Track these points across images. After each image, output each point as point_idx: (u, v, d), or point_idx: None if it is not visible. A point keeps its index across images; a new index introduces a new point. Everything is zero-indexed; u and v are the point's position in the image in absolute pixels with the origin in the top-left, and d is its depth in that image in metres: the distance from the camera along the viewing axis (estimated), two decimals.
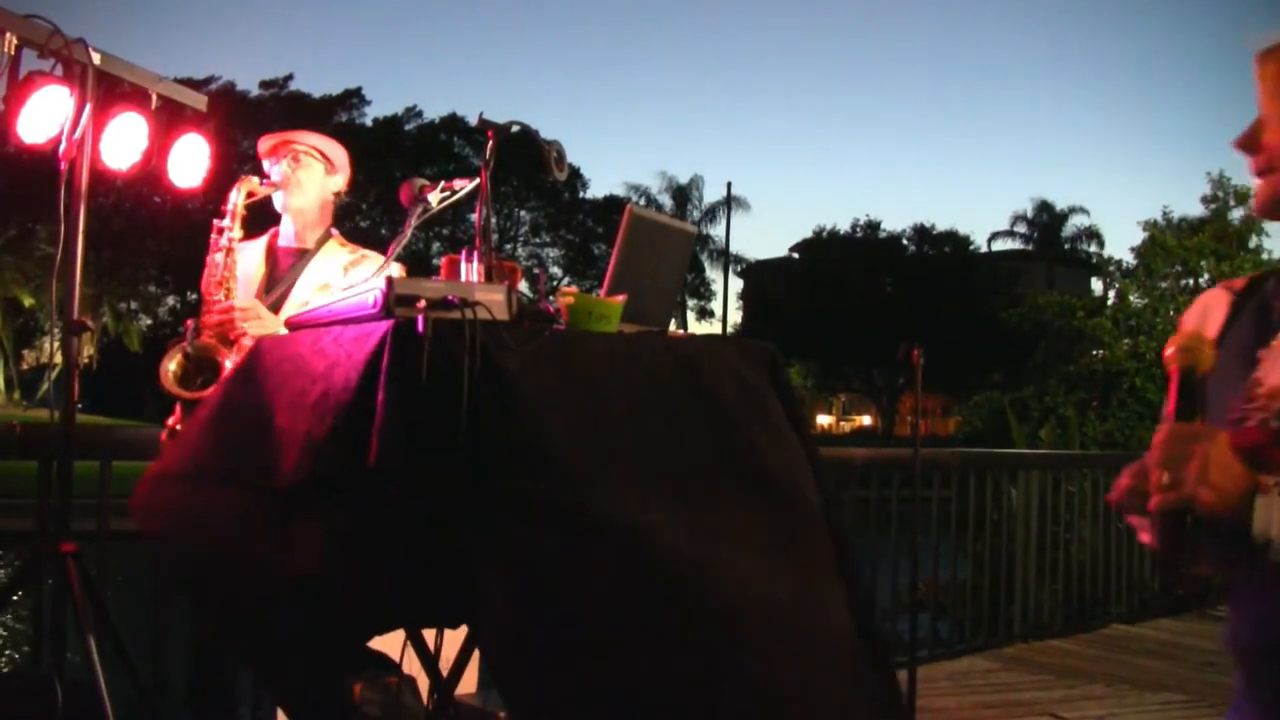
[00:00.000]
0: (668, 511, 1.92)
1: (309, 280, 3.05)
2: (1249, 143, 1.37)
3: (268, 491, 1.82)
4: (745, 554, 1.97)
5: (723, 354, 2.25)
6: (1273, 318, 1.36)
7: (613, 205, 40.15)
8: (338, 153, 3.20)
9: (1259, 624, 1.28)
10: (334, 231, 3.20)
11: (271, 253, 3.12)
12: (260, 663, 1.95)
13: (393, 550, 1.75)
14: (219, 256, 2.92)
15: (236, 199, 2.95)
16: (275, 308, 2.96)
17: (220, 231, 2.93)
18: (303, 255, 3.11)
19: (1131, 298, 15.92)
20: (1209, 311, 1.46)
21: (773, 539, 2.04)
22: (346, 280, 3.05)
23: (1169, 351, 1.24)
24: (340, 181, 3.22)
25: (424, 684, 2.48)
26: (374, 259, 3.14)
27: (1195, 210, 23.06)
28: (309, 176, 3.11)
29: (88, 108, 2.65)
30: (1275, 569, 1.17)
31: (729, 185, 54.07)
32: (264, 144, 3.13)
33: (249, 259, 3.05)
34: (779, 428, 2.24)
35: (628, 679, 1.78)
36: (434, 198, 2.37)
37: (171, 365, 2.81)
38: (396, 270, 3.10)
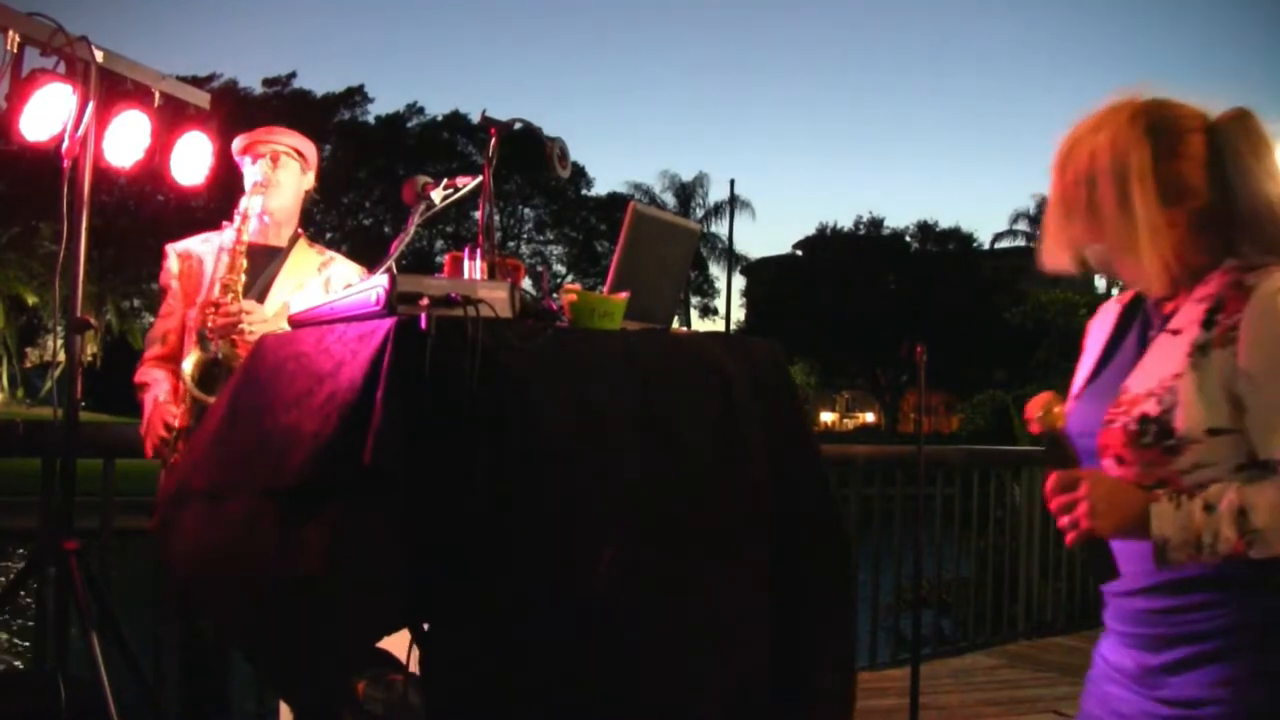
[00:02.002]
0: (656, 515, 1.93)
1: (286, 281, 3.03)
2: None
3: (275, 493, 1.81)
4: (706, 562, 2.02)
5: (724, 353, 2.25)
6: (1149, 334, 1.59)
7: (616, 203, 40.14)
8: (311, 151, 3.18)
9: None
10: (301, 230, 3.18)
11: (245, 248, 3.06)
12: (266, 664, 1.95)
13: (396, 550, 1.75)
14: (225, 258, 2.91)
15: (248, 205, 2.96)
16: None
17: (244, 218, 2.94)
18: (275, 254, 3.08)
19: None
20: (1101, 323, 1.72)
21: (727, 548, 2.08)
22: (320, 279, 3.05)
23: (1031, 419, 1.51)
24: (311, 179, 3.21)
25: None
26: (341, 261, 3.16)
27: None
28: (287, 177, 3.09)
29: (90, 105, 2.65)
30: (1169, 560, 1.44)
31: (732, 183, 54.13)
32: (240, 142, 3.10)
33: (214, 254, 3.02)
34: (780, 431, 2.25)
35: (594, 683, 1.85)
36: (437, 195, 2.36)
37: (188, 366, 2.80)
38: (357, 273, 3.11)
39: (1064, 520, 1.46)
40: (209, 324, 2.84)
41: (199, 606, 2.72)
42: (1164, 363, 1.49)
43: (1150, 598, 1.52)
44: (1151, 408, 1.47)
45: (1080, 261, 1.60)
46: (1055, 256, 1.61)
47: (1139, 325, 1.63)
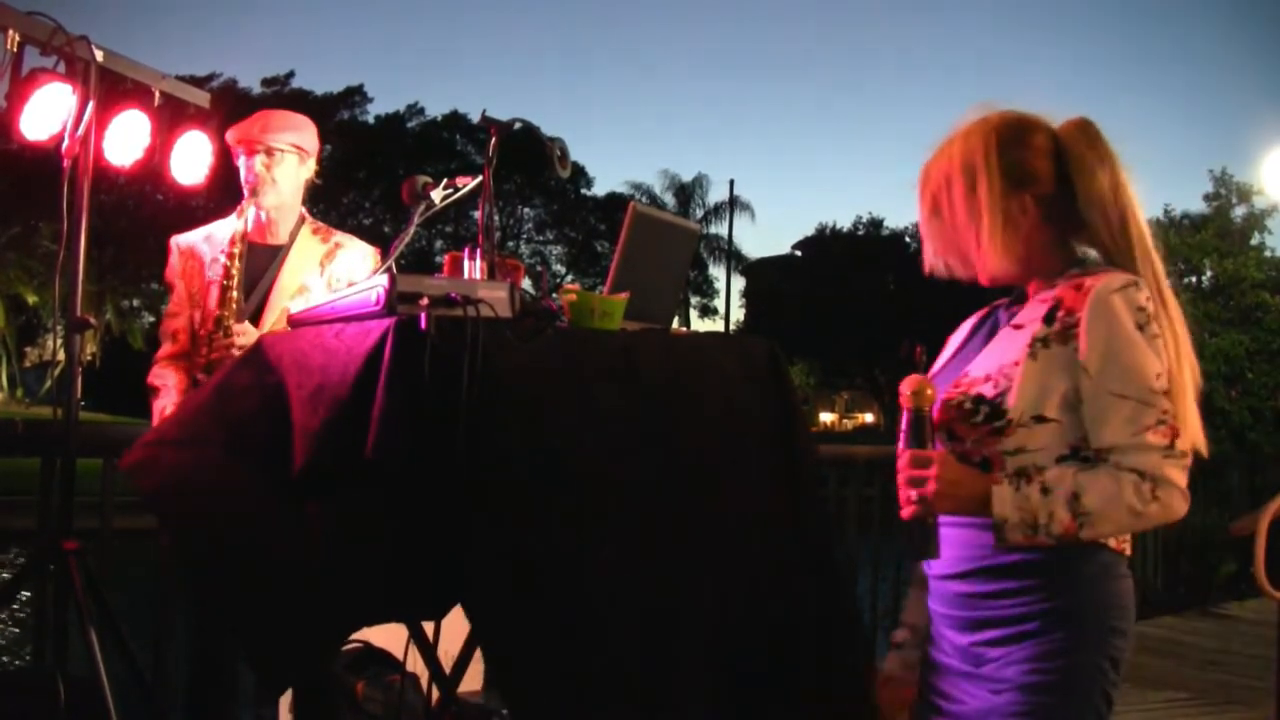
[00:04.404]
0: (656, 514, 1.93)
1: (286, 282, 2.98)
2: None
3: (271, 480, 1.82)
4: (707, 561, 2.02)
5: (722, 353, 2.25)
6: (1000, 329, 1.74)
7: (616, 203, 40.12)
8: (308, 139, 3.08)
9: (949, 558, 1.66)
10: (305, 215, 3.10)
11: (244, 242, 3.01)
12: (255, 648, 1.95)
13: (388, 542, 1.76)
14: (218, 276, 2.90)
15: (248, 212, 2.94)
16: (256, 314, 2.93)
17: (231, 242, 2.93)
18: (277, 253, 3.03)
19: None
20: (961, 328, 1.87)
21: (731, 544, 2.08)
22: (324, 278, 3.00)
23: (904, 394, 1.59)
24: (313, 165, 3.12)
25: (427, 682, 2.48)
26: (348, 247, 3.09)
27: (1197, 207, 23.06)
28: (283, 173, 3.01)
29: (90, 105, 2.64)
30: (1008, 540, 1.55)
31: (731, 183, 54.08)
32: (233, 135, 3.02)
33: (217, 249, 2.99)
34: (776, 430, 2.25)
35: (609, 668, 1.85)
36: (437, 195, 2.36)
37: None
38: (371, 257, 3.07)
39: (909, 494, 1.55)
40: (201, 362, 2.83)
41: (175, 542, 2.70)
42: (1004, 352, 1.63)
43: (966, 582, 1.65)
44: (988, 390, 1.60)
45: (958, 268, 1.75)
46: (937, 265, 1.77)
47: (989, 327, 1.81)
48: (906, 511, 1.57)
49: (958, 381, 1.65)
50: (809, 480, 2.29)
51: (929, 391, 1.58)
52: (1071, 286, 1.61)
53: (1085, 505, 1.52)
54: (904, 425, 1.61)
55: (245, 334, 2.81)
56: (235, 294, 2.88)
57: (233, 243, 2.93)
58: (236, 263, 2.92)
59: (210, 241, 3.01)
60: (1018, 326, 1.66)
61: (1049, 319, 1.60)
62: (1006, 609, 1.61)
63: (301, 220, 3.09)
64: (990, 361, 1.64)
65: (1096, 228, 1.65)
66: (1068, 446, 1.58)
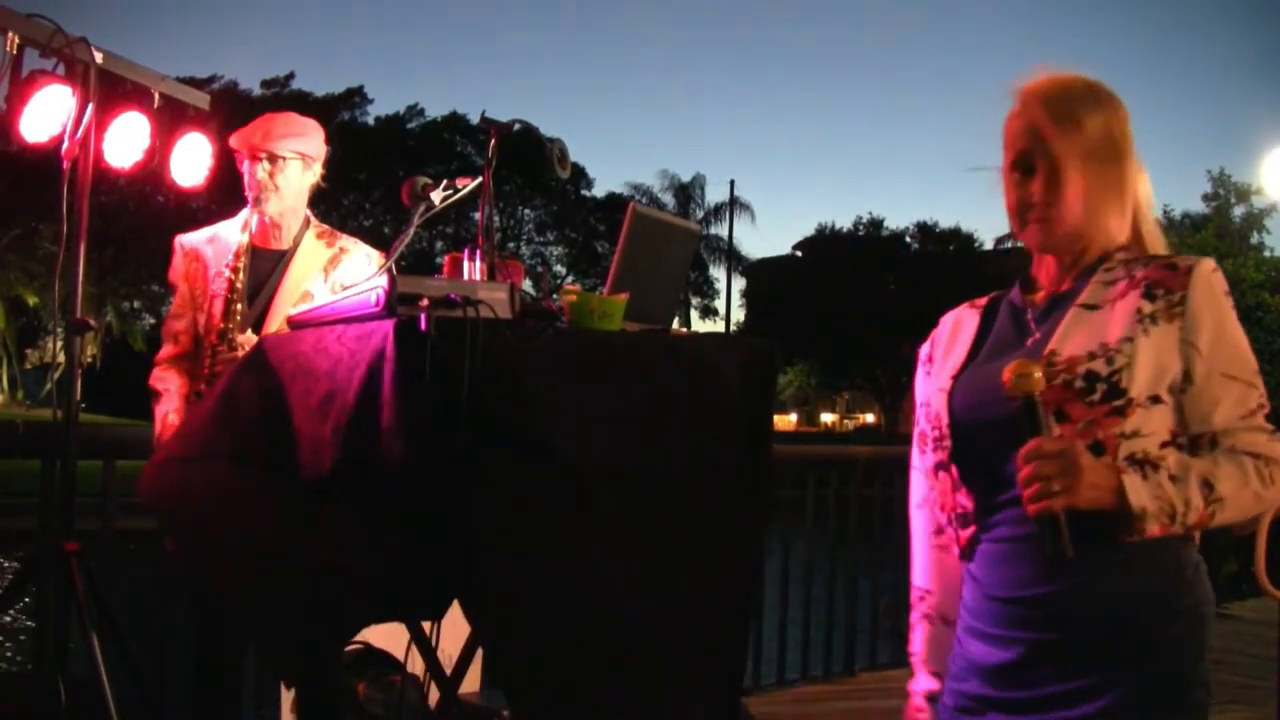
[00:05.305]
0: (655, 513, 1.94)
1: (290, 288, 2.96)
2: None
3: (281, 485, 1.82)
4: (701, 560, 2.04)
5: (722, 354, 2.25)
6: (1027, 316, 1.64)
7: (616, 204, 40.15)
8: (314, 145, 3.03)
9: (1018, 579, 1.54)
10: (310, 218, 3.07)
11: (249, 252, 3.00)
12: (266, 647, 1.96)
13: (390, 542, 1.76)
14: (223, 287, 2.91)
15: (251, 220, 2.95)
16: (259, 320, 2.92)
17: (236, 256, 2.94)
18: (281, 258, 3.00)
19: None
20: (961, 325, 1.75)
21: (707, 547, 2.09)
22: (329, 284, 2.98)
23: (1008, 380, 1.46)
24: (318, 169, 3.07)
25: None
26: (353, 252, 3.06)
27: (1196, 208, 23.12)
28: (286, 180, 2.96)
29: (90, 107, 2.65)
30: (1145, 532, 1.43)
31: (732, 184, 53.97)
32: (236, 141, 2.98)
33: (220, 254, 2.98)
34: (760, 429, 2.26)
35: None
36: (437, 196, 2.36)
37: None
38: (376, 261, 3.07)
39: (1038, 488, 1.42)
40: (205, 374, 2.84)
41: (200, 596, 2.75)
42: (1099, 328, 1.52)
43: (1031, 608, 1.53)
44: (1099, 367, 1.48)
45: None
46: (1065, 223, 1.59)
47: (1007, 316, 1.69)
48: (1034, 507, 1.43)
49: (1051, 362, 1.52)
50: (768, 482, 2.31)
51: (1037, 374, 1.45)
52: (1162, 266, 1.54)
53: (1219, 492, 1.45)
54: (1020, 416, 1.48)
55: (249, 346, 2.80)
56: (239, 306, 2.88)
57: (236, 256, 2.94)
58: (240, 276, 2.92)
59: (215, 244, 3.00)
60: (1090, 306, 1.55)
61: (1149, 296, 1.52)
62: (1086, 631, 1.50)
63: (306, 224, 3.06)
64: (1088, 337, 1.52)
65: (1142, 213, 1.62)
66: (1169, 432, 1.50)
